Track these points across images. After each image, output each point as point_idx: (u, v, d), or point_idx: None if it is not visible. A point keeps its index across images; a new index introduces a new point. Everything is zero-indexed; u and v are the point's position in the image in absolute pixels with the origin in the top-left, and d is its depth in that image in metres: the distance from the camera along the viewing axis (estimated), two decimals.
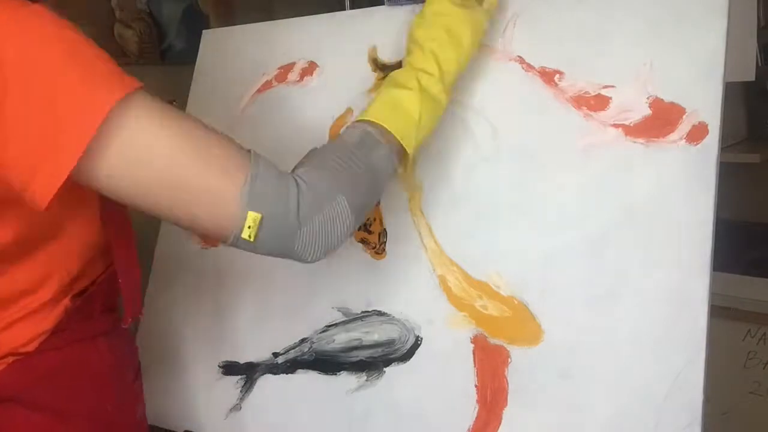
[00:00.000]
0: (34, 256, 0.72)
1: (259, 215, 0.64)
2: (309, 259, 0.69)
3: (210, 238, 0.67)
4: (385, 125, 0.75)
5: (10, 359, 0.75)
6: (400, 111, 0.77)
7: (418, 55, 0.82)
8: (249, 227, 0.64)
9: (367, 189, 0.73)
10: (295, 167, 0.72)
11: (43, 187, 0.59)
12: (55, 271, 0.75)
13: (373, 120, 0.76)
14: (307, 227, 0.67)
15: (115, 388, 0.83)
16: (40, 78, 0.58)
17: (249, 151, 0.68)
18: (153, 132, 0.62)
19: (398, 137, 0.76)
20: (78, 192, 0.63)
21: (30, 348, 0.75)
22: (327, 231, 0.68)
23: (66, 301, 0.77)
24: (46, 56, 0.59)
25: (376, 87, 1.04)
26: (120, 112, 0.60)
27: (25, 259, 0.72)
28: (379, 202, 1.00)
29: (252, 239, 0.65)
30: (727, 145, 1.43)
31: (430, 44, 0.81)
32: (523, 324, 0.85)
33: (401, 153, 0.77)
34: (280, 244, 0.67)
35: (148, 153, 0.62)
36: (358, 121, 0.77)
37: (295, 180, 0.67)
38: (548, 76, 0.89)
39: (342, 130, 0.78)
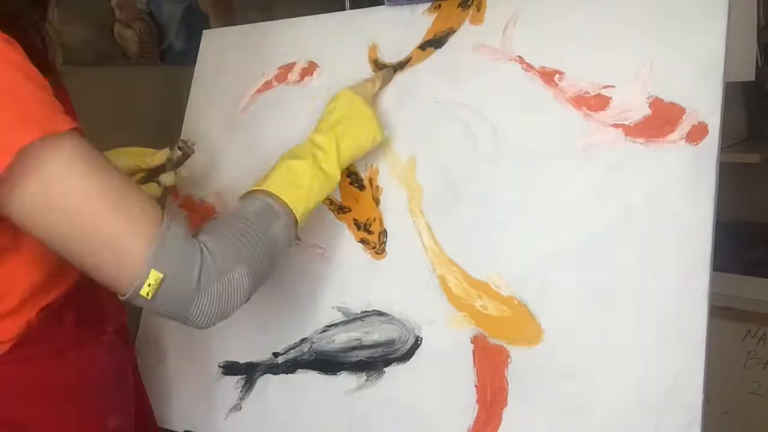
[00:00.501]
0: None
1: (161, 275, 0.66)
2: (200, 325, 0.71)
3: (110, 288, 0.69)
4: (281, 197, 0.80)
5: None
6: (294, 183, 0.82)
7: (321, 135, 0.89)
8: (149, 285, 0.66)
9: (266, 259, 0.76)
10: (199, 232, 0.74)
11: None
12: (16, 284, 0.73)
13: (270, 191, 0.80)
14: (205, 295, 0.69)
15: (79, 405, 0.80)
16: None
17: (163, 210, 0.69)
18: (72, 180, 0.63)
19: (291, 207, 0.81)
20: None
21: None
22: (223, 300, 0.70)
23: (30, 315, 0.74)
24: None
25: None
26: (36, 153, 0.61)
27: None
28: (378, 202, 1.00)
29: (150, 297, 0.66)
30: (727, 145, 1.43)
31: (336, 127, 0.89)
32: (523, 324, 0.85)
33: (294, 221, 0.81)
34: (176, 306, 0.69)
35: (62, 200, 0.63)
36: (255, 190, 0.81)
37: (201, 248, 0.69)
38: (548, 76, 0.89)
39: (241, 199, 0.81)
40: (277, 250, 0.78)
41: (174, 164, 1.02)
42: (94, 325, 0.83)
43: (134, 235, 0.65)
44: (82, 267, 0.67)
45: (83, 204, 0.63)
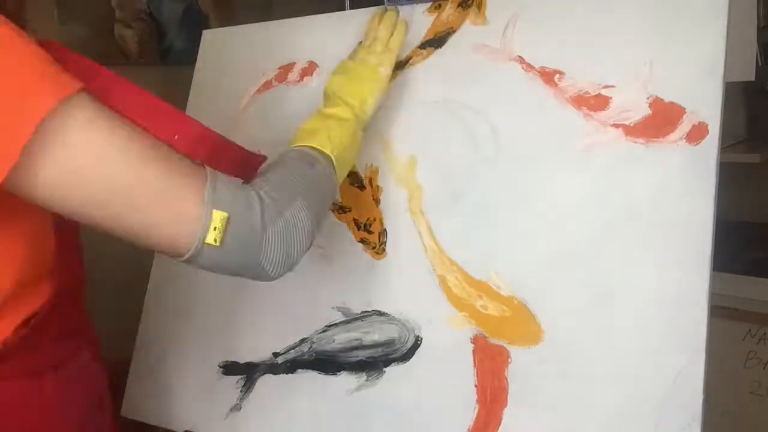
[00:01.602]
0: None
1: (225, 214, 0.61)
2: (271, 273, 0.67)
3: (166, 253, 0.62)
4: (309, 144, 0.80)
5: None
6: (316, 133, 0.82)
7: (327, 102, 0.90)
8: (215, 229, 0.60)
9: (319, 195, 0.74)
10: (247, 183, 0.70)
11: None
12: None
13: (300, 143, 0.80)
14: (271, 230, 0.65)
15: (59, 427, 0.74)
16: None
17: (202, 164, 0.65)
18: (100, 142, 0.57)
19: (327, 152, 0.79)
20: (8, 203, 0.58)
21: None
22: (288, 239, 0.66)
23: (6, 334, 0.66)
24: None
25: None
26: (60, 116, 0.55)
27: None
28: (378, 202, 1.00)
29: (218, 243, 0.61)
30: (727, 145, 1.43)
31: (336, 90, 0.89)
32: (523, 324, 0.85)
33: (333, 166, 0.80)
34: (247, 250, 0.64)
35: (95, 166, 0.57)
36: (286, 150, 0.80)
37: (253, 190, 0.66)
38: (548, 76, 0.89)
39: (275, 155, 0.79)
40: (325, 189, 0.77)
41: None
42: (70, 343, 0.77)
43: (184, 185, 0.60)
44: (128, 235, 0.60)
45: (119, 165, 0.57)
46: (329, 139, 0.81)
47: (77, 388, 0.77)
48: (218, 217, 0.60)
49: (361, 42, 0.99)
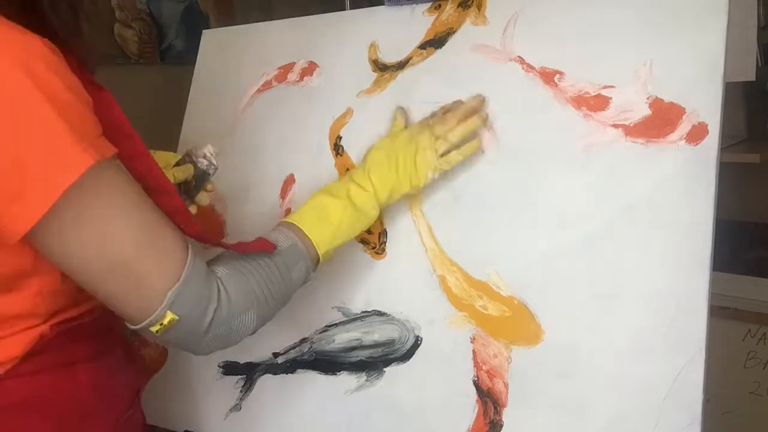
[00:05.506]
0: (13, 288, 0.67)
1: (176, 318, 0.66)
2: (200, 354, 0.73)
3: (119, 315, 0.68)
4: (307, 233, 0.81)
5: None
6: (323, 218, 0.83)
7: (358, 171, 0.89)
8: (161, 325, 0.66)
9: (279, 301, 0.77)
10: (219, 262, 0.74)
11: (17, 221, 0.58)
12: (38, 306, 0.68)
13: (297, 224, 0.81)
14: (213, 334, 0.70)
15: (93, 420, 0.75)
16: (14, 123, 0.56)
17: (188, 248, 0.68)
18: (107, 213, 0.62)
19: (316, 245, 0.81)
20: None
21: None
22: (228, 338, 0.72)
23: (45, 329, 0.69)
24: (27, 106, 0.56)
25: (376, 87, 1.04)
26: (88, 183, 0.59)
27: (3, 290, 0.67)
28: None
29: (158, 334, 0.67)
30: (727, 145, 1.43)
31: (371, 165, 0.89)
32: (523, 324, 0.85)
33: (316, 259, 0.82)
34: (184, 343, 0.70)
35: (94, 233, 0.62)
36: (287, 222, 0.82)
37: (218, 286, 0.69)
38: (548, 76, 0.89)
39: (271, 232, 0.80)
40: (291, 290, 0.79)
41: (199, 179, 0.94)
42: (106, 339, 0.79)
43: (160, 276, 0.65)
44: (97, 293, 0.66)
45: (115, 239, 0.62)
46: (333, 237, 0.83)
47: (113, 382, 0.79)
48: (169, 317, 0.66)
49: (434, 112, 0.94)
